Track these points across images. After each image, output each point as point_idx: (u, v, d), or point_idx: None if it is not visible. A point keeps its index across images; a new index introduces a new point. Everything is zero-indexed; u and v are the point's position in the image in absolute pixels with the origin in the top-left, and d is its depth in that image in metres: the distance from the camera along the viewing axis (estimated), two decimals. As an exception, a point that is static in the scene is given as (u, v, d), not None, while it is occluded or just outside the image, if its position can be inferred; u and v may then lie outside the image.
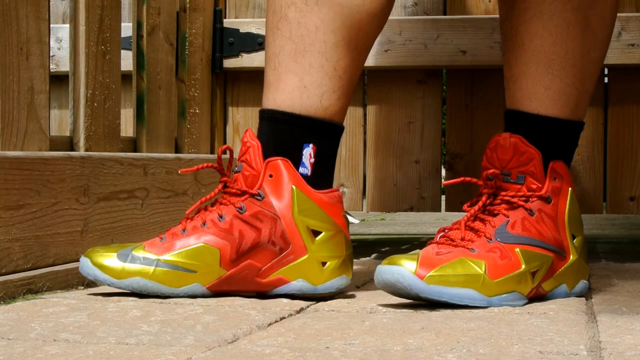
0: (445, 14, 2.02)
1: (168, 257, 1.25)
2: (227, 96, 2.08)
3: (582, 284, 1.35)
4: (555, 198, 1.32)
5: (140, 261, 1.25)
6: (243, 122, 2.07)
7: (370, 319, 1.12)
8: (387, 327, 1.06)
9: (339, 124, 1.33)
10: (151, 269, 1.24)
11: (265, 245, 1.27)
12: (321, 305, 1.23)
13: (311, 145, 1.29)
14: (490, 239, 1.27)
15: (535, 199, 1.31)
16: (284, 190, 1.28)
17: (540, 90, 1.35)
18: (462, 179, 1.31)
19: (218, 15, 2.03)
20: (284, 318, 1.13)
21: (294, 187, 1.27)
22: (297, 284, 1.28)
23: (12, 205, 1.28)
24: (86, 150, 1.53)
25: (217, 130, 2.04)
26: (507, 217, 1.29)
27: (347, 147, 2.09)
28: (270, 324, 1.09)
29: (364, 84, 2.11)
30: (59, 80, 2.17)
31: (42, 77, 1.40)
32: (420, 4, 2.03)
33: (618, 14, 1.96)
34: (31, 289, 1.28)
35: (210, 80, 2.00)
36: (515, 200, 1.30)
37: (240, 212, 1.27)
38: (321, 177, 1.31)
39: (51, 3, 1.56)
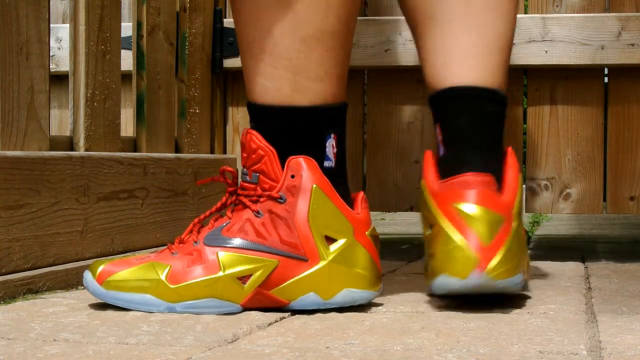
0: (445, 13, 2.02)
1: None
2: (227, 96, 2.08)
3: (347, 292, 1.18)
4: (292, 197, 1.18)
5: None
6: (243, 122, 2.07)
7: (370, 319, 1.12)
8: (387, 327, 1.06)
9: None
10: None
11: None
12: (321, 305, 1.23)
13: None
14: (196, 242, 1.18)
15: (265, 199, 1.18)
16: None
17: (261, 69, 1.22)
18: (211, 178, 1.24)
19: (218, 15, 2.03)
20: (284, 318, 1.13)
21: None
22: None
23: (12, 205, 1.28)
24: (86, 150, 1.53)
25: (217, 130, 2.04)
26: (230, 218, 1.19)
27: (347, 147, 2.09)
28: (270, 324, 1.09)
29: (364, 84, 2.11)
30: (59, 80, 2.17)
31: (42, 77, 1.40)
32: (420, 3, 2.03)
33: (618, 14, 1.96)
34: (31, 289, 1.28)
35: (210, 80, 2.00)
36: (245, 200, 1.20)
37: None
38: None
39: (51, 3, 1.56)
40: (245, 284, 1.16)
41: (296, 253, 1.18)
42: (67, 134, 1.58)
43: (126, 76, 1.74)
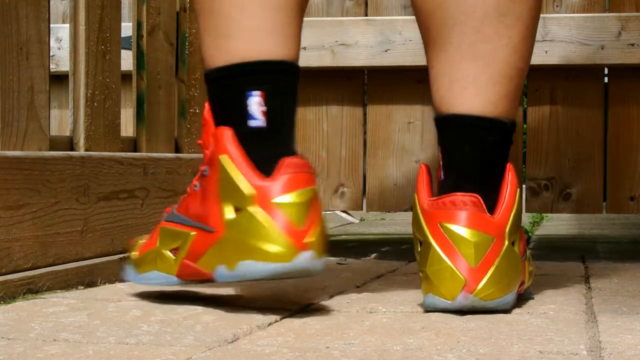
0: (445, 13, 2.02)
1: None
2: (227, 96, 2.08)
3: (246, 264, 1.12)
4: (210, 169, 1.16)
5: None
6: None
7: (370, 319, 1.12)
8: (387, 327, 1.06)
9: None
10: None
11: None
12: (321, 305, 1.23)
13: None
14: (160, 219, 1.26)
15: (200, 173, 1.19)
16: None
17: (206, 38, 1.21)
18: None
19: (218, 15, 2.02)
20: (284, 318, 1.13)
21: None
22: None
23: (12, 205, 1.28)
24: (86, 150, 1.53)
25: (217, 130, 2.04)
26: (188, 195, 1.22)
27: (347, 147, 2.09)
28: (270, 324, 1.09)
29: (364, 84, 2.11)
30: (59, 80, 2.17)
31: (42, 77, 1.40)
32: (420, 3, 2.03)
33: (618, 14, 1.97)
34: (31, 289, 1.28)
35: (210, 80, 1.99)
36: (197, 175, 1.21)
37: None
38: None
39: (51, 3, 1.56)
40: (175, 256, 1.20)
41: (206, 224, 1.16)
42: (67, 134, 1.58)
43: (126, 76, 1.74)
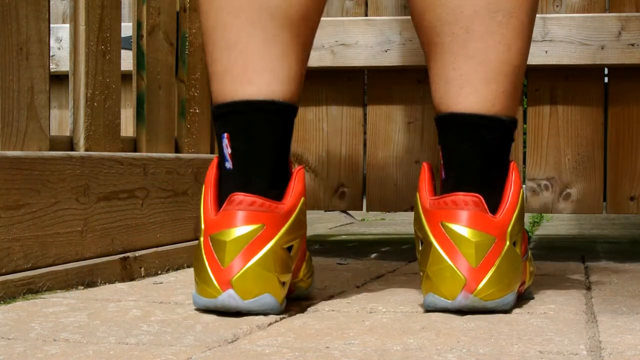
0: (445, 13, 2.02)
1: None
2: (227, 96, 2.08)
3: (193, 294, 1.18)
4: None
5: None
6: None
7: (370, 319, 1.12)
8: (387, 327, 1.06)
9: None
10: None
11: None
12: (321, 305, 1.23)
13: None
14: None
15: None
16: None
17: None
18: None
19: (218, 15, 2.02)
20: (284, 318, 1.13)
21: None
22: None
23: (12, 205, 1.28)
24: (86, 150, 1.53)
25: (217, 130, 2.04)
26: None
27: (347, 147, 2.09)
28: (270, 324, 1.09)
29: (364, 84, 2.11)
30: (59, 80, 2.17)
31: (42, 77, 1.40)
32: (420, 3, 2.03)
33: (618, 14, 1.97)
34: (31, 289, 1.28)
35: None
36: None
37: None
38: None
39: (51, 3, 1.56)
40: None
41: None
42: (67, 134, 1.58)
43: (126, 76, 1.74)
